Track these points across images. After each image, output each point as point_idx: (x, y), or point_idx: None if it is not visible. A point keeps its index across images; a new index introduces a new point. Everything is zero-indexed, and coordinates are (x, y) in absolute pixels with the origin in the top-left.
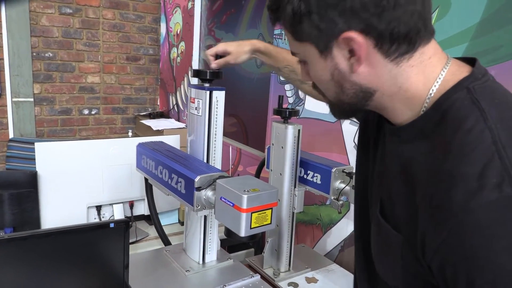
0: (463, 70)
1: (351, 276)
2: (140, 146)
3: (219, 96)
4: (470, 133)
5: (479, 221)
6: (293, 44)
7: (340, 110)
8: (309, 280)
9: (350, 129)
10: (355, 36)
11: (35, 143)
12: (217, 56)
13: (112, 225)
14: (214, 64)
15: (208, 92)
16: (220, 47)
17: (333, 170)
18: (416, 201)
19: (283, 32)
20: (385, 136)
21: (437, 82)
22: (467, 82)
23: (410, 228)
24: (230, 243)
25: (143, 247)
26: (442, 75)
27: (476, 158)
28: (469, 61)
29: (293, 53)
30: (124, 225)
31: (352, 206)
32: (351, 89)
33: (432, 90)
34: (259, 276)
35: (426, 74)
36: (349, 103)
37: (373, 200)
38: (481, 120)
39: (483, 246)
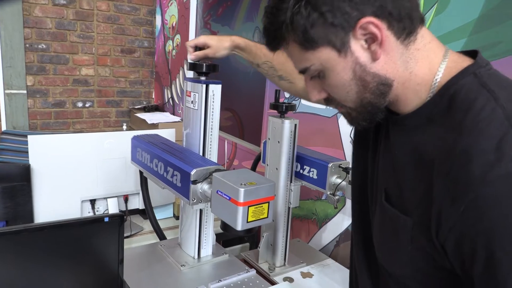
0: (464, 59)
1: (346, 271)
2: (135, 138)
3: (216, 90)
4: (481, 111)
5: (498, 192)
6: (304, 57)
7: (363, 114)
8: (305, 275)
9: (346, 124)
10: (373, 19)
11: (28, 136)
12: (197, 48)
13: (106, 219)
14: (192, 56)
15: (204, 86)
16: (201, 39)
17: (330, 165)
18: (430, 181)
19: None
20: (388, 129)
21: (441, 67)
22: (473, 69)
23: (422, 209)
24: (225, 237)
25: (137, 242)
26: (444, 61)
27: (490, 133)
28: (467, 53)
29: (302, 71)
30: (119, 219)
31: (348, 201)
32: (373, 82)
33: (438, 75)
34: (254, 271)
35: (431, 59)
36: (371, 102)
37: (376, 192)
38: (492, 100)
39: (503, 216)
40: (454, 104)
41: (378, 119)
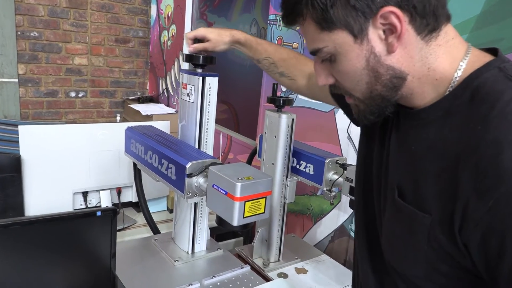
0: (486, 55)
1: (340, 267)
2: (129, 130)
3: (212, 83)
4: (510, 103)
5: None
6: (318, 37)
7: (371, 106)
8: (299, 271)
9: (343, 119)
10: (396, 10)
11: (19, 126)
12: (196, 41)
13: (99, 213)
14: (191, 48)
15: (200, 78)
16: (200, 32)
17: (327, 161)
18: (454, 176)
19: (278, 17)
20: (398, 123)
21: (463, 62)
22: (497, 63)
23: (444, 205)
24: (219, 231)
25: (130, 235)
26: (467, 56)
27: None
28: (486, 51)
29: (314, 52)
30: (112, 213)
31: (344, 197)
32: (386, 74)
33: (459, 69)
34: (249, 267)
35: (453, 55)
36: (382, 95)
37: (385, 189)
38: None
39: None
40: (478, 97)
41: (387, 113)
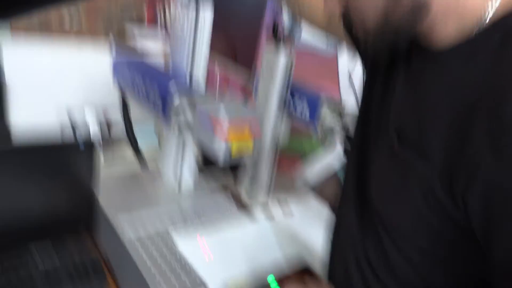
0: None
1: (329, 211)
2: (119, 61)
3: (206, 15)
4: None
5: None
6: None
7: (382, 40)
8: (286, 212)
9: (346, 65)
10: None
11: (3, 47)
12: None
13: (82, 146)
14: None
15: (194, 10)
16: None
17: (323, 103)
18: (466, 125)
19: None
20: (409, 62)
21: (496, 0)
22: None
23: (449, 156)
24: (208, 167)
25: (118, 169)
26: None
27: None
28: None
29: None
30: (94, 145)
31: (337, 141)
32: (407, 2)
33: (491, 8)
34: (235, 206)
35: None
36: (398, 27)
37: (382, 132)
38: None
39: None
40: (511, 41)
41: (398, 50)
